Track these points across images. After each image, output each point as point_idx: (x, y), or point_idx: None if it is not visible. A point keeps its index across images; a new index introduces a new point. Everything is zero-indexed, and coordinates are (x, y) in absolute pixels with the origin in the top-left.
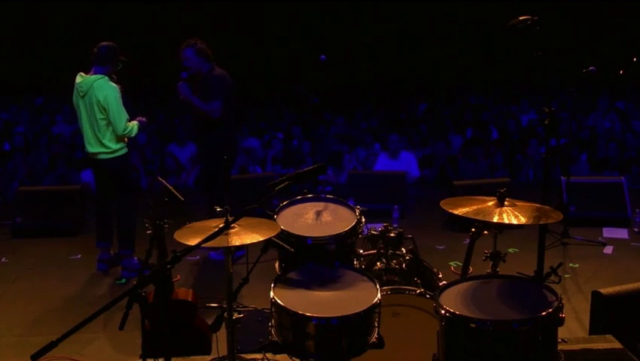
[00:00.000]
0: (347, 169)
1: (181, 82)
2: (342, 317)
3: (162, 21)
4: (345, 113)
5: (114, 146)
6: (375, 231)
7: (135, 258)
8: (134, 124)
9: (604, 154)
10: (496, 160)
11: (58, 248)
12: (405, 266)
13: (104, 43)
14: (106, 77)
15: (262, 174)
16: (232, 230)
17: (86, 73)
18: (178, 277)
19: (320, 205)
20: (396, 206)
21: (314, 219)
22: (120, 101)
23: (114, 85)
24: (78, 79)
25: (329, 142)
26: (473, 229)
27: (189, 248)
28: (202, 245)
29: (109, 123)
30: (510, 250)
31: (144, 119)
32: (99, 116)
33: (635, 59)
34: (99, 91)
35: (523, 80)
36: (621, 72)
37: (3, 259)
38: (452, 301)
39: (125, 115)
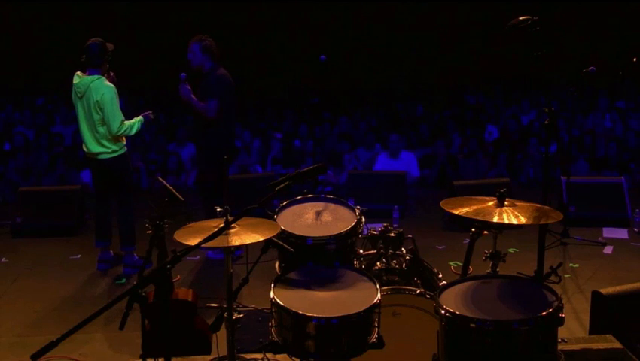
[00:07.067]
0: (347, 169)
1: (181, 83)
2: (342, 317)
3: (162, 20)
4: (346, 112)
5: (113, 146)
6: (375, 231)
7: (136, 255)
8: (135, 121)
9: (604, 154)
10: (496, 160)
11: (58, 248)
12: (405, 266)
13: (91, 42)
14: (103, 78)
15: (262, 174)
16: (232, 230)
17: (83, 73)
18: (178, 277)
19: (320, 205)
20: (396, 206)
21: (314, 219)
22: (116, 102)
23: (111, 85)
24: (76, 79)
25: (333, 141)
26: (473, 229)
27: (189, 248)
28: (202, 245)
29: (105, 123)
30: (510, 250)
31: (150, 114)
32: (97, 116)
33: (635, 59)
34: (95, 91)
35: (524, 80)
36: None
37: (3, 259)
38: (452, 301)
39: (120, 116)
